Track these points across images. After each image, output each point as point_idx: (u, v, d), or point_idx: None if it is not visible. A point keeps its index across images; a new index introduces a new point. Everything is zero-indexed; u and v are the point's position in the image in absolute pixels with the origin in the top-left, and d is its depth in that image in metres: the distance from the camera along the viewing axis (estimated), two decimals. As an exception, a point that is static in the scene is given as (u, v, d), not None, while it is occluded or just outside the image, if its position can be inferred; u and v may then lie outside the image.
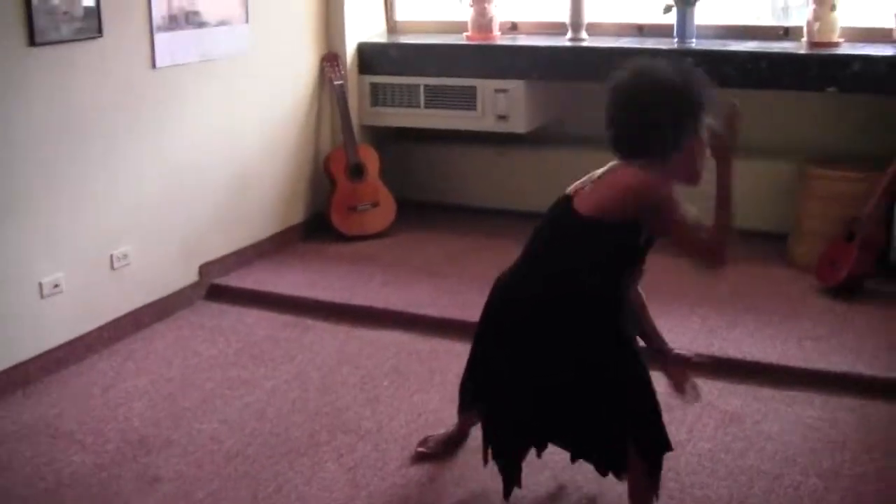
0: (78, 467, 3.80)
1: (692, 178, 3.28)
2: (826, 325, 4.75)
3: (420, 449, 3.85)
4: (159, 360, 4.72)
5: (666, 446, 3.24)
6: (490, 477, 3.62)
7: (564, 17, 6.09)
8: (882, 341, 4.55)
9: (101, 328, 4.81)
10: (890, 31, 5.55)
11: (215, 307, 5.35)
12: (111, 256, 4.85)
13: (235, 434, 4.03)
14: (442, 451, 3.83)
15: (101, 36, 4.61)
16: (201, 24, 5.24)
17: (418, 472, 3.72)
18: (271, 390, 4.40)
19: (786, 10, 6.10)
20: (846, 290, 5.08)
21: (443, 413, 4.11)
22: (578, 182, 3.34)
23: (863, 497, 3.47)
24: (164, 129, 5.09)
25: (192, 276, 5.40)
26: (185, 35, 5.14)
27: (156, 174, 5.07)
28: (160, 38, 4.96)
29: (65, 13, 4.42)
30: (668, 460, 3.65)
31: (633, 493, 3.26)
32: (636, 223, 3.18)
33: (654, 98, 3.21)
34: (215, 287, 5.49)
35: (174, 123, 5.15)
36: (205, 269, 5.47)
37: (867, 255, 5.10)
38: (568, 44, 6.02)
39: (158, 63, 4.98)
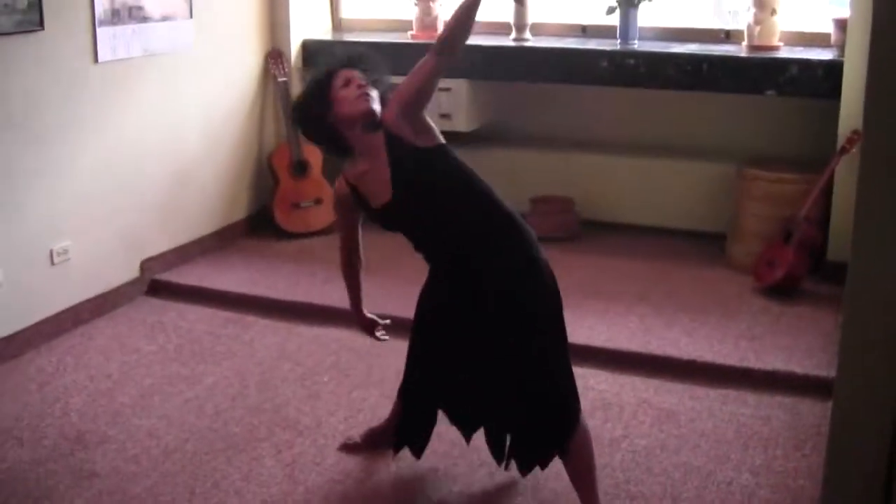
0: (14, 463, 3.78)
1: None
2: (762, 325, 4.82)
3: (348, 442, 3.89)
4: (98, 355, 4.70)
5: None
6: (427, 470, 3.66)
7: (509, 17, 6.13)
8: (816, 341, 4.62)
9: (39, 323, 4.78)
10: (828, 36, 5.64)
11: (156, 303, 5.33)
12: (51, 252, 4.82)
13: (174, 430, 4.03)
14: (370, 443, 3.87)
15: (42, 29, 4.58)
16: (144, 19, 5.22)
17: (356, 467, 3.74)
18: (211, 386, 4.40)
19: (733, 14, 6.17)
20: (783, 291, 5.15)
21: (382, 410, 4.12)
22: None
23: (793, 492, 3.54)
24: (105, 124, 5.06)
25: (133, 272, 5.38)
26: (128, 29, 5.12)
27: (97, 169, 5.04)
28: (102, 32, 4.94)
29: (5, 5, 4.39)
30: (603, 456, 3.72)
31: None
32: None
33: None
34: (156, 283, 5.47)
35: (116, 118, 5.13)
36: (146, 265, 5.45)
37: (804, 256, 5.18)
38: (512, 44, 6.05)
39: (100, 57, 4.96)
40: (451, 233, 3.31)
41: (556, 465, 3.38)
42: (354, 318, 3.81)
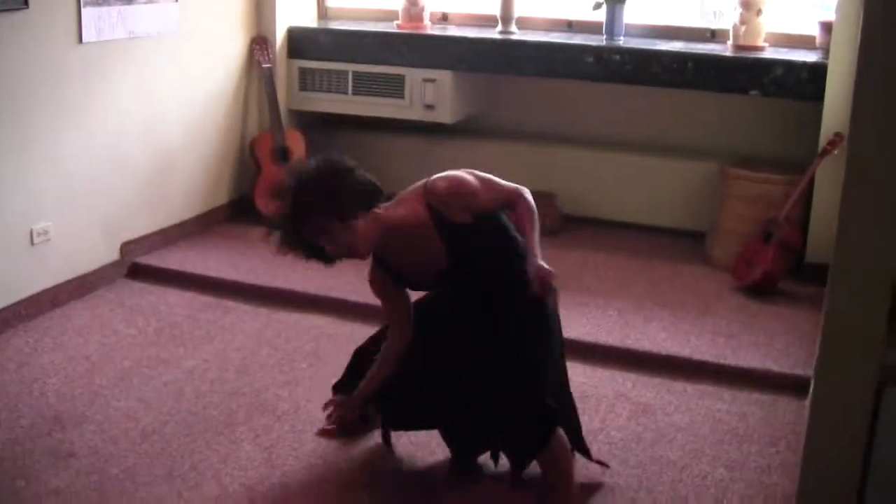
0: (-10, 442, 3.78)
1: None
2: (739, 323, 4.85)
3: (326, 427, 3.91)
4: (77, 337, 4.68)
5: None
6: (405, 456, 3.68)
7: (495, 9, 6.14)
8: (792, 339, 4.66)
9: (17, 304, 4.76)
10: (813, 38, 5.67)
11: (136, 286, 5.32)
12: (31, 231, 4.80)
13: (152, 412, 4.03)
14: (342, 430, 3.89)
15: (26, 8, 4.56)
16: (130, 1, 5.20)
17: (333, 453, 3.75)
18: (190, 370, 4.39)
19: (718, 14, 6.20)
20: (761, 290, 5.18)
21: (360, 397, 4.14)
22: None
23: (767, 488, 3.56)
24: (88, 105, 5.05)
25: (113, 255, 5.36)
26: (113, 11, 5.09)
27: (79, 150, 5.03)
28: (87, 13, 4.92)
29: (-10, -17, 4.38)
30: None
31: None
32: None
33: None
34: (136, 266, 5.45)
35: (99, 100, 5.11)
36: (126, 248, 5.44)
37: (783, 256, 5.22)
38: (497, 36, 6.06)
39: (85, 38, 4.93)
40: (480, 280, 3.43)
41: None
42: (357, 405, 3.82)
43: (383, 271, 3.52)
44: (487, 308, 3.41)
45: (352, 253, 3.35)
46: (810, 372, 4.18)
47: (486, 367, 3.33)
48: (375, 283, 3.57)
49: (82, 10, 4.89)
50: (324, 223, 3.27)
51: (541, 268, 3.30)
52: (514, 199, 3.40)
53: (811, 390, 3.29)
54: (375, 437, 3.83)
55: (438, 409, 3.53)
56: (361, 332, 4.67)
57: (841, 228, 2.26)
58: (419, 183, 3.40)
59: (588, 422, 3.98)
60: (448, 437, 3.66)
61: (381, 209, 3.37)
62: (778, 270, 5.21)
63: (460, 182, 3.33)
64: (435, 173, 6.06)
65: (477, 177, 3.37)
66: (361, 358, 3.87)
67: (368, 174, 3.40)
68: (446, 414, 3.55)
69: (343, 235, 3.27)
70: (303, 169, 3.38)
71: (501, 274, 3.41)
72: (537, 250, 3.36)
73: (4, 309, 4.69)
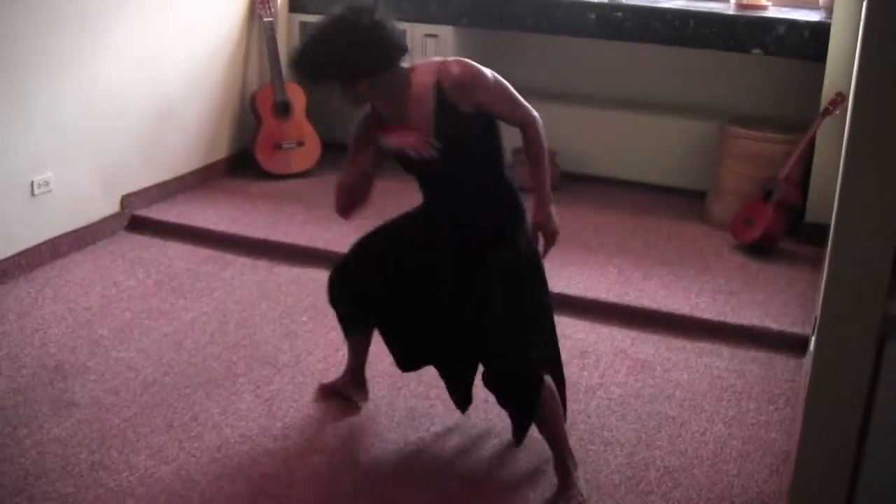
0: (-8, 390, 3.79)
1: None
2: (738, 281, 4.86)
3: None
4: (77, 288, 4.69)
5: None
6: (405, 410, 3.70)
7: (498, -35, 6.10)
8: (791, 298, 4.67)
9: (18, 255, 4.76)
10: (816, -3, 5.66)
11: (136, 238, 5.32)
12: (32, 183, 4.79)
13: (152, 363, 4.04)
14: (330, 394, 3.86)
15: (24, -43, 4.55)
16: (131, -49, 5.17)
17: (333, 405, 3.76)
18: (190, 322, 4.41)
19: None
20: (760, 249, 5.19)
21: (361, 350, 4.16)
22: None
23: (764, 444, 3.59)
24: (87, 56, 5.02)
25: (113, 207, 5.36)
26: (115, -39, 5.07)
27: (79, 102, 5.01)
28: (88, -38, 4.90)
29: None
30: (578, 403, 3.77)
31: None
32: None
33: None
34: (137, 218, 5.45)
35: (97, 50, 5.08)
36: (127, 201, 5.44)
37: (783, 215, 5.22)
38: (500, -7, 6.04)
39: (86, -12, 4.92)
40: (464, 188, 3.34)
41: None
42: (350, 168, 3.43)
43: (375, 122, 3.34)
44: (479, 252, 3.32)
45: (356, 104, 3.26)
46: (808, 330, 4.22)
47: (479, 317, 3.28)
48: (362, 128, 3.37)
49: (81, -42, 4.87)
50: (332, 82, 3.17)
51: (551, 222, 3.33)
52: (528, 119, 3.27)
53: (811, 345, 3.31)
54: (376, 390, 3.85)
55: (429, 344, 3.54)
56: (362, 286, 4.70)
57: (844, 182, 2.26)
58: (436, 59, 3.27)
59: (587, 377, 4.01)
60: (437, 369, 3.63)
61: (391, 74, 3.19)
62: (777, 230, 5.21)
63: (476, 72, 3.19)
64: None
65: (496, 78, 3.24)
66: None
67: (389, 31, 3.17)
68: (436, 350, 3.54)
69: (350, 91, 3.17)
70: (325, 27, 3.15)
71: (489, 202, 3.36)
72: (548, 189, 3.33)
73: (5, 259, 4.70)
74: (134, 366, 4.02)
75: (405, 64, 3.23)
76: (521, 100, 3.28)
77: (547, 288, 3.48)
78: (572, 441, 3.43)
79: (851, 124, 2.26)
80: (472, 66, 3.19)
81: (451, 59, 3.22)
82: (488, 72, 3.22)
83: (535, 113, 3.28)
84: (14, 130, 4.66)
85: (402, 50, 3.20)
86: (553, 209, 3.35)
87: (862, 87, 2.24)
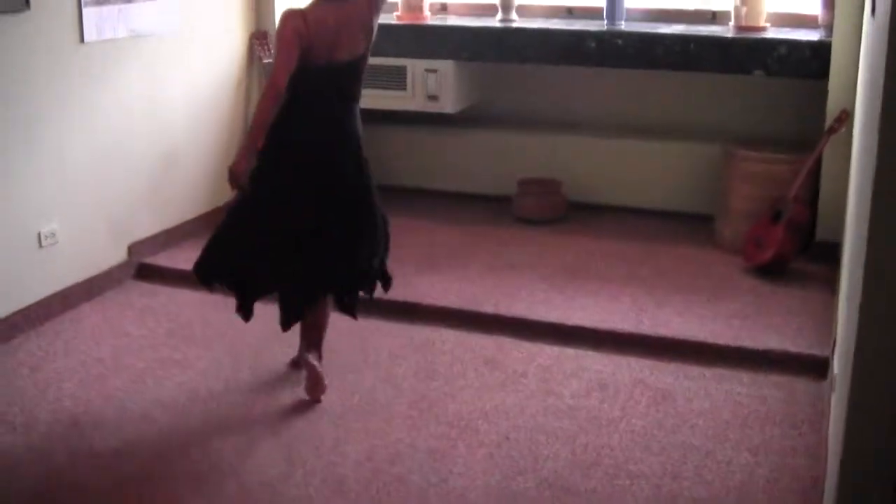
0: (8, 448, 3.75)
1: None
2: (753, 305, 4.83)
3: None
4: (88, 340, 4.66)
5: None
6: (426, 451, 3.66)
7: (495, -2, 6.12)
8: (807, 319, 4.64)
9: (28, 308, 4.73)
10: (815, 16, 5.64)
11: (145, 287, 5.29)
12: (38, 234, 4.77)
13: (168, 413, 4.00)
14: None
15: (28, 9, 4.52)
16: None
17: (354, 449, 3.72)
18: (203, 369, 4.37)
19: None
20: (772, 270, 5.16)
21: (377, 392, 4.13)
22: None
23: (792, 470, 3.55)
24: (91, 106, 5.01)
25: (121, 256, 5.33)
26: (114, 10, 5.05)
27: (84, 151, 4.99)
28: (88, 12, 4.88)
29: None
30: (601, 436, 3.73)
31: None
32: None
33: None
34: (144, 266, 5.42)
35: (102, 99, 5.08)
36: (134, 249, 5.41)
37: (793, 236, 5.20)
38: (498, 25, 6.04)
39: (86, 37, 4.90)
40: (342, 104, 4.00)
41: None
42: (243, 157, 4.00)
43: (303, 23, 3.81)
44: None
45: None
46: (827, 352, 4.19)
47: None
48: (289, 25, 3.82)
49: (83, 9, 4.85)
50: None
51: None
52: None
53: (833, 367, 3.27)
54: (397, 434, 3.81)
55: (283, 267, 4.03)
56: (373, 326, 4.69)
57: (876, 198, 2.20)
58: None
59: (608, 410, 3.97)
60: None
61: None
62: (789, 250, 5.19)
63: None
64: (440, 164, 6.10)
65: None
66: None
67: None
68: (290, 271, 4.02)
69: None
70: None
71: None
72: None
73: (16, 313, 4.67)
74: (149, 416, 3.98)
75: None
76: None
77: None
78: (598, 475, 3.41)
79: (882, 136, 2.20)
80: None
81: None
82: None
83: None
84: (20, 181, 4.64)
85: None
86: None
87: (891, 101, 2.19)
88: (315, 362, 4.10)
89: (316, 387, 4.07)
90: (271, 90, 3.82)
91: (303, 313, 4.13)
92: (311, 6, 3.92)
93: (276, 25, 3.87)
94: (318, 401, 4.06)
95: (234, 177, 3.94)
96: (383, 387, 4.18)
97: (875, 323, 2.25)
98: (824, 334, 4.42)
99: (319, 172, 3.97)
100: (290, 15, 3.85)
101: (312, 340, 4.17)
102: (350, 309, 4.21)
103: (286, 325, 4.11)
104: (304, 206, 3.96)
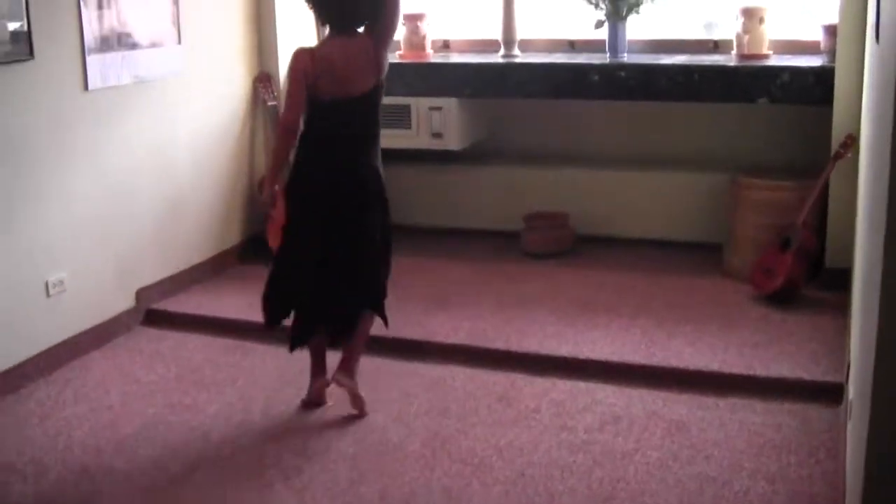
0: (19, 498, 3.72)
1: None
2: (764, 333, 4.80)
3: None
4: (98, 387, 4.64)
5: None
6: (440, 490, 3.63)
7: (497, 34, 6.13)
8: (819, 346, 4.61)
9: (37, 357, 4.72)
10: (817, 43, 5.65)
11: (153, 332, 5.27)
12: (46, 283, 4.77)
13: (180, 459, 3.97)
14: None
15: (31, 58, 4.54)
16: (133, 46, 5.18)
17: (368, 490, 3.69)
18: (214, 414, 4.35)
19: (709, 26, 6.19)
20: (782, 298, 5.14)
21: (389, 432, 4.10)
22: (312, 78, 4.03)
23: (810, 498, 3.51)
24: (96, 152, 5.02)
25: (129, 302, 5.33)
26: (118, 57, 5.08)
27: (89, 198, 5.00)
28: (92, 59, 4.90)
29: (-8, 35, 4.37)
30: (616, 469, 3.70)
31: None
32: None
33: None
34: (153, 312, 5.41)
35: (107, 146, 5.08)
36: (142, 294, 5.40)
37: (802, 263, 5.17)
38: (501, 61, 6.05)
39: (90, 85, 4.91)
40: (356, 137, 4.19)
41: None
42: (266, 186, 4.29)
43: (310, 60, 4.01)
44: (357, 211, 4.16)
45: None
46: (841, 378, 4.15)
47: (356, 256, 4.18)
48: (296, 63, 4.02)
49: (87, 57, 4.87)
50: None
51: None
52: None
53: (848, 393, 3.24)
54: (410, 473, 3.78)
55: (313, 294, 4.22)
56: (384, 365, 4.68)
57: (891, 226, 2.18)
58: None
59: (622, 443, 3.94)
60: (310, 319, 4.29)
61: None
62: (798, 277, 5.17)
63: None
64: (446, 201, 6.19)
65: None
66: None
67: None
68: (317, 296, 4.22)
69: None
70: None
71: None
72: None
73: (25, 362, 4.65)
74: (161, 463, 3.95)
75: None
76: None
77: None
78: (614, 510, 3.38)
79: (894, 157, 2.18)
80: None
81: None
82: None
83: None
84: (27, 230, 4.64)
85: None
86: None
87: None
88: (347, 380, 4.25)
89: (357, 401, 4.26)
90: (280, 128, 4.13)
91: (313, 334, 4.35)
92: (320, 44, 4.18)
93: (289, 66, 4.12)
94: (364, 414, 4.26)
95: (266, 205, 4.32)
96: (395, 426, 4.15)
97: (893, 346, 2.23)
98: (838, 360, 4.40)
99: (327, 203, 4.14)
100: (298, 53, 4.05)
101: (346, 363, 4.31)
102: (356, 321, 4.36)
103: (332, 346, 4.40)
104: (314, 235, 4.17)
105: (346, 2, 4.04)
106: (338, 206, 4.13)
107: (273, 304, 4.31)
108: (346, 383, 4.23)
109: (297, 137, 4.11)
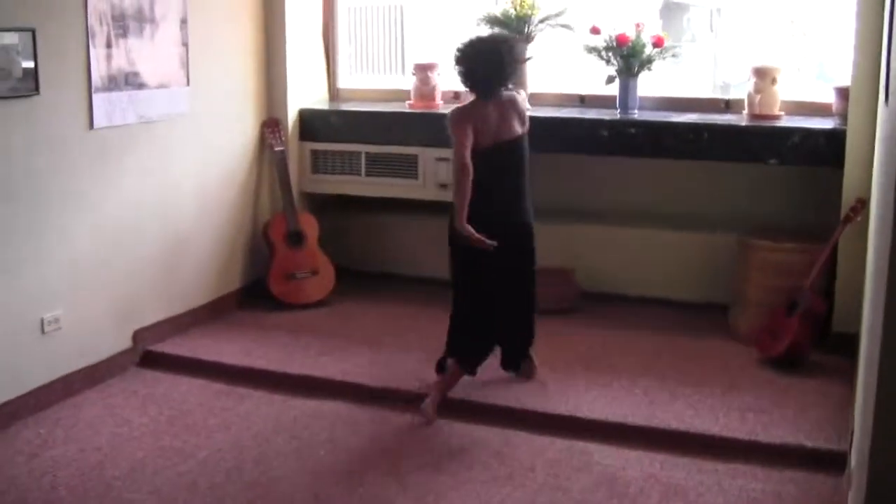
0: (-1, 539, 3.65)
1: None
2: (768, 397, 4.71)
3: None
4: (88, 428, 4.57)
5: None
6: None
7: (507, 86, 6.09)
8: (823, 413, 4.52)
9: (28, 394, 4.66)
10: (829, 105, 5.61)
11: (149, 374, 5.21)
12: (42, 320, 4.72)
13: (166, 505, 3.90)
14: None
15: (37, 94, 4.53)
16: (141, 86, 5.17)
17: (355, 544, 3.62)
18: (204, 460, 4.27)
19: (725, 87, 6.17)
20: (788, 362, 5.05)
21: (380, 486, 4.01)
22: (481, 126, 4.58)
23: (808, 571, 3.42)
24: (99, 191, 4.99)
25: (125, 342, 5.27)
26: (124, 96, 5.06)
27: (90, 237, 4.96)
28: (98, 98, 4.89)
29: (1, 69, 4.34)
30: (612, 533, 3.60)
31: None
32: None
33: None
34: (149, 354, 5.35)
35: (110, 185, 5.06)
36: (139, 336, 5.35)
37: (809, 327, 5.09)
38: (510, 113, 6.00)
39: (96, 124, 4.90)
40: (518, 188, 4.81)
41: None
42: (464, 227, 4.52)
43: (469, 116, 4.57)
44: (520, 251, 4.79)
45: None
46: (845, 446, 4.06)
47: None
48: (462, 121, 4.54)
49: (93, 95, 4.86)
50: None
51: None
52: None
53: (851, 462, 3.16)
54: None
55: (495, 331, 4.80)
56: (380, 417, 4.60)
57: (891, 290, 2.12)
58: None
59: (618, 505, 3.85)
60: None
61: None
62: (804, 341, 5.08)
63: None
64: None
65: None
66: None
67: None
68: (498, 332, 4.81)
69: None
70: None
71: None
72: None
73: (16, 399, 4.60)
74: (146, 508, 3.88)
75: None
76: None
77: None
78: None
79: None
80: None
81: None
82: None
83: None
84: (25, 267, 4.60)
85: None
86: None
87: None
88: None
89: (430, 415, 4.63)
90: (458, 165, 4.51)
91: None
92: (470, 105, 4.66)
93: (448, 123, 4.59)
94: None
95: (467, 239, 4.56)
96: (387, 481, 4.07)
97: (891, 419, 2.16)
98: (841, 428, 4.31)
99: (499, 236, 4.54)
100: (460, 112, 4.63)
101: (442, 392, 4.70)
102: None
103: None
104: (490, 271, 4.68)
105: (494, 80, 4.62)
106: (505, 236, 4.60)
107: (468, 349, 4.76)
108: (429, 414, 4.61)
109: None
